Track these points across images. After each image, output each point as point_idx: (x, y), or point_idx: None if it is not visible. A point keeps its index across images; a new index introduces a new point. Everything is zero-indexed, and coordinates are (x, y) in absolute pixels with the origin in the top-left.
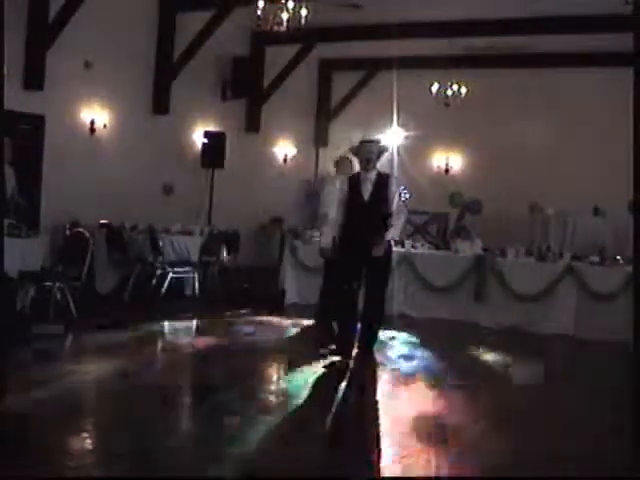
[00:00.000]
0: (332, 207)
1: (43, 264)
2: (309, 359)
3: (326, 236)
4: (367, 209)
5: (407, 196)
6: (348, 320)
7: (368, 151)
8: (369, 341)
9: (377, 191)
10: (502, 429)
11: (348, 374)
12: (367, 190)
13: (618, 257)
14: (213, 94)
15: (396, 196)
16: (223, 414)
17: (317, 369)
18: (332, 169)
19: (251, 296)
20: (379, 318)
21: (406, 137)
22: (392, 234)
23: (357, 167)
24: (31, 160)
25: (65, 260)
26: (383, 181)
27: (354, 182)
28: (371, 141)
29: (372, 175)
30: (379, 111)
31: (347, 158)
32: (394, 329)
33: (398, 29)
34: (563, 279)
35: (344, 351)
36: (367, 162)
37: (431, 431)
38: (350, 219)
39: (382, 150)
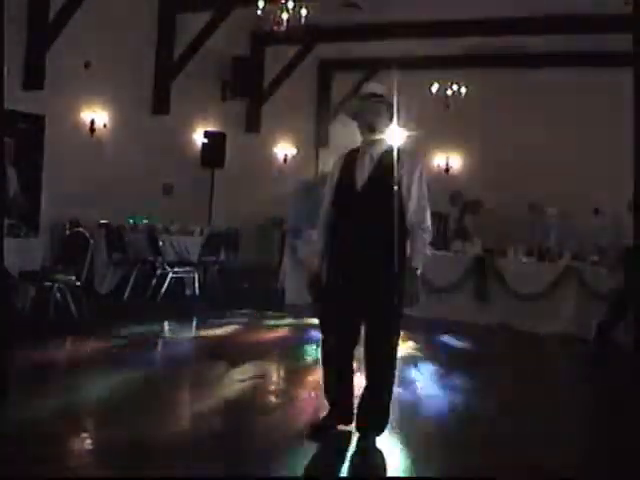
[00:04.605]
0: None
1: (43, 264)
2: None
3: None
4: (361, 205)
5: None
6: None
7: (371, 111)
8: (368, 431)
9: (380, 175)
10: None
11: None
12: (363, 173)
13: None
14: (213, 94)
15: (414, 186)
16: None
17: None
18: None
19: (251, 296)
20: (383, 399)
21: (406, 137)
22: (419, 257)
23: None
24: (31, 160)
25: (65, 260)
26: (392, 159)
27: (350, 161)
28: (375, 95)
29: (376, 150)
30: None
31: None
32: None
33: (398, 29)
34: (563, 279)
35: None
36: (369, 129)
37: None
38: (337, 223)
39: (393, 112)
